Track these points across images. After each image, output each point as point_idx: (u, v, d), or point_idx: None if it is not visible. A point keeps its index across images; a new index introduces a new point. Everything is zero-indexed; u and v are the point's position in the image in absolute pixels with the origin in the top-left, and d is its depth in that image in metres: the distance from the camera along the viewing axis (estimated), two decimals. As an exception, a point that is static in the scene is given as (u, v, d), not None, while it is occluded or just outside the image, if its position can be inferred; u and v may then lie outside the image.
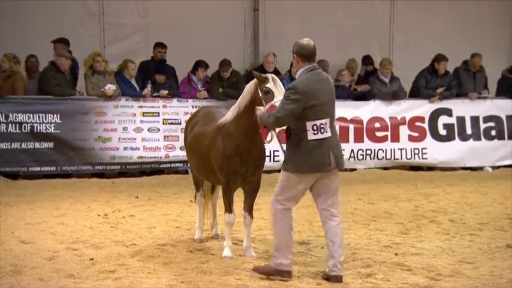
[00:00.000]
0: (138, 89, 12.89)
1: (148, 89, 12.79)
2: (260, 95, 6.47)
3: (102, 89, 12.40)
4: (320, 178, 6.16)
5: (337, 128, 13.00)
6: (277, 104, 6.20)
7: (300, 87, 6.01)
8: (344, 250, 7.22)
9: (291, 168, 6.11)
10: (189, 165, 8.46)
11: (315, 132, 6.01)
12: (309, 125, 6.00)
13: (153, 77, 13.10)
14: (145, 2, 14.56)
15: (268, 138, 6.59)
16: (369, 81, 14.26)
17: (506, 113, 14.51)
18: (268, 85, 6.45)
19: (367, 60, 15.15)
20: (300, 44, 6.22)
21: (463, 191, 11.41)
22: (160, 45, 13.54)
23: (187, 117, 12.67)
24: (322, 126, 6.01)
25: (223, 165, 6.77)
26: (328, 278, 6.14)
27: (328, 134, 6.05)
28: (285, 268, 6.12)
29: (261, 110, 6.35)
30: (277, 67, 13.69)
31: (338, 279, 6.09)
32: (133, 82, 12.94)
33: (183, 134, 12.46)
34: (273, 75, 6.60)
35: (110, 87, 12.40)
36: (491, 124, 14.44)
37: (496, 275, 6.37)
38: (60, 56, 12.42)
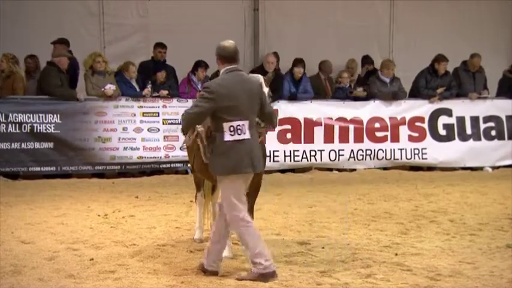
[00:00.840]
0: (138, 90, 12.89)
1: (148, 89, 12.79)
2: None
3: (102, 89, 12.40)
4: (249, 180, 6.21)
5: (337, 128, 13.43)
6: None
7: (213, 87, 6.04)
8: (344, 250, 7.27)
9: (215, 169, 6.17)
10: (189, 165, 8.45)
11: (232, 133, 6.00)
12: (225, 126, 6.00)
13: (153, 77, 13.10)
14: (145, 2, 14.55)
15: (182, 145, 6.53)
16: (369, 81, 14.25)
17: (506, 113, 14.52)
18: None
19: (367, 60, 15.14)
20: (221, 46, 6.23)
21: (463, 191, 11.42)
22: (160, 46, 13.54)
23: (187, 117, 12.77)
24: (239, 127, 5.99)
25: None
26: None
27: (247, 136, 6.03)
28: (268, 270, 6.08)
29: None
30: (278, 67, 13.70)
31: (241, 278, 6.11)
32: (134, 83, 12.94)
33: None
34: (261, 77, 6.61)
35: (110, 87, 12.41)
36: (491, 124, 14.44)
37: (496, 275, 6.37)
38: (58, 55, 12.41)
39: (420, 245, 7.59)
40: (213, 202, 7.95)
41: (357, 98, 13.92)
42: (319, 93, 14.07)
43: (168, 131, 12.88)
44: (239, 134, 6.01)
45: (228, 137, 6.02)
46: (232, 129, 6.01)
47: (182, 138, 12.53)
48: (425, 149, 14.05)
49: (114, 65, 13.20)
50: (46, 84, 12.31)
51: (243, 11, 15.16)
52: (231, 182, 6.12)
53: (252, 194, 6.80)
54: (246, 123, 6.02)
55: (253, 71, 12.00)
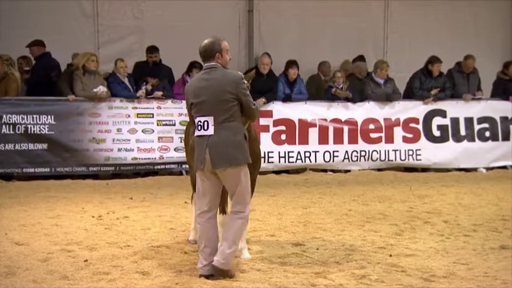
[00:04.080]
0: (132, 90, 12.87)
1: (142, 91, 12.77)
2: None
3: (94, 90, 12.34)
4: (221, 176, 6.18)
5: (331, 129, 13.43)
6: None
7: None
8: (338, 251, 7.27)
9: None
10: (187, 165, 8.43)
11: (198, 129, 6.14)
12: (195, 121, 6.18)
13: (147, 78, 13.07)
14: (140, 4, 14.53)
15: None
16: (363, 82, 14.27)
17: (500, 114, 14.55)
18: None
19: (360, 60, 15.10)
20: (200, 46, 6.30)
21: (457, 192, 11.43)
22: (150, 50, 13.48)
23: (182, 118, 12.78)
24: (199, 123, 6.11)
25: None
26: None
27: (209, 132, 6.08)
28: (200, 272, 6.16)
29: None
30: (272, 68, 13.70)
31: (219, 271, 6.10)
32: (127, 83, 12.90)
33: (177, 135, 12.71)
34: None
35: (100, 89, 12.36)
36: (485, 125, 14.47)
37: (490, 276, 6.38)
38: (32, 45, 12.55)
39: (414, 246, 7.60)
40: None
41: (350, 99, 13.91)
42: (319, 94, 14.08)
43: (163, 132, 12.87)
44: (200, 130, 6.13)
45: (196, 132, 6.19)
46: (197, 125, 6.15)
47: (177, 139, 12.70)
48: (419, 150, 14.07)
49: (109, 67, 13.17)
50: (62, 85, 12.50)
51: (237, 12, 15.16)
52: (199, 177, 6.25)
53: (230, 193, 6.43)
54: (210, 119, 6.07)
55: (247, 73, 11.96)
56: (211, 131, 6.08)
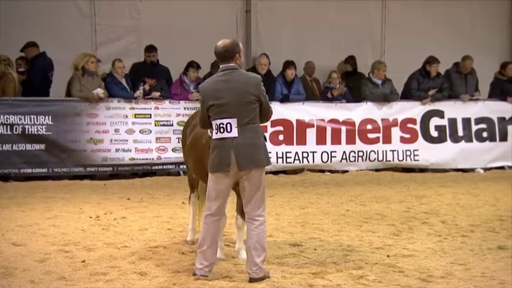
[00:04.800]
0: (129, 91, 12.86)
1: (140, 91, 12.77)
2: None
3: (94, 92, 12.33)
4: (241, 179, 6.14)
5: (329, 129, 13.44)
6: None
7: (201, 88, 6.24)
8: (336, 252, 7.27)
9: (208, 168, 6.20)
10: (185, 166, 8.43)
11: (216, 131, 6.05)
12: (213, 124, 6.07)
13: (145, 79, 13.05)
14: (137, 3, 14.53)
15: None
16: (361, 83, 14.27)
17: (497, 114, 14.56)
18: None
19: (350, 60, 15.09)
20: (215, 46, 6.22)
21: (455, 193, 11.44)
22: (148, 49, 13.48)
23: (180, 119, 12.79)
24: (222, 126, 6.02)
25: None
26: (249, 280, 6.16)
27: (233, 134, 6.01)
28: (198, 272, 6.15)
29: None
30: (270, 68, 13.70)
31: (252, 280, 6.10)
32: (124, 83, 12.89)
33: (175, 135, 12.70)
34: None
35: (98, 92, 12.34)
36: (483, 126, 14.49)
37: (487, 277, 6.38)
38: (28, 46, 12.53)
39: (412, 246, 7.60)
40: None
41: (348, 100, 13.93)
42: (307, 94, 14.08)
43: (160, 133, 12.87)
44: (221, 132, 6.03)
45: (214, 135, 6.09)
46: (217, 127, 6.05)
47: (174, 139, 12.69)
48: (417, 150, 14.08)
49: (107, 67, 13.16)
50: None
51: (235, 13, 15.16)
52: (214, 180, 6.14)
53: (250, 197, 6.40)
54: (232, 121, 6.01)
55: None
56: (235, 133, 6.01)
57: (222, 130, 6.02)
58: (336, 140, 13.69)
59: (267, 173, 13.43)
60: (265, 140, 6.32)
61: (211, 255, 6.17)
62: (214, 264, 6.27)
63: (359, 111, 13.92)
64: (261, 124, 6.33)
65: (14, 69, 12.48)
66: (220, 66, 6.19)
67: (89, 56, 12.67)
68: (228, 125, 6.00)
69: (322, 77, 14.78)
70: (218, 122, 6.03)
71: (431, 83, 14.29)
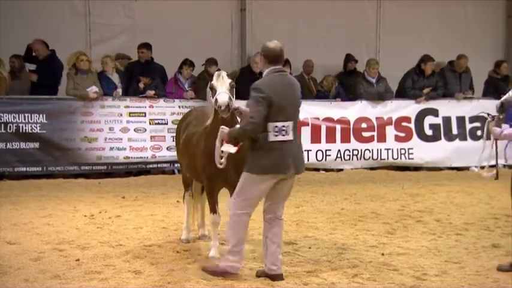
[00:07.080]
0: (118, 87, 12.76)
1: (117, 91, 12.69)
2: (210, 93, 6.54)
3: (87, 90, 12.31)
4: (277, 182, 6.13)
5: (324, 128, 13.44)
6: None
7: (263, 88, 5.97)
8: (330, 250, 7.29)
9: (251, 168, 6.07)
10: (179, 165, 8.43)
11: (276, 133, 5.98)
12: (270, 126, 5.97)
13: (139, 77, 13.03)
14: (131, 2, 14.49)
15: (223, 160, 6.35)
16: (356, 82, 14.28)
17: (492, 113, 14.53)
18: (212, 82, 6.47)
19: (350, 58, 15.08)
20: (266, 46, 6.15)
21: (449, 191, 11.46)
22: (141, 46, 13.42)
23: (174, 117, 12.77)
24: (283, 128, 5.99)
25: (205, 165, 6.71)
26: (267, 276, 6.18)
27: (290, 137, 6.03)
28: (232, 270, 6.16)
29: (224, 130, 6.23)
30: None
31: (279, 277, 6.16)
32: (115, 80, 12.82)
33: (169, 134, 12.68)
34: (221, 72, 6.56)
35: (92, 89, 12.31)
36: (477, 124, 14.47)
37: (481, 275, 6.41)
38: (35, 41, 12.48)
39: (406, 244, 7.62)
40: (202, 202, 7.95)
41: (343, 98, 13.96)
42: (304, 92, 14.06)
43: (155, 131, 12.86)
44: (283, 135, 6.00)
45: (272, 137, 5.99)
46: (276, 129, 5.97)
47: (169, 138, 12.66)
48: (411, 149, 14.09)
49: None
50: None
51: (229, 11, 15.15)
52: (261, 180, 6.06)
53: (284, 198, 6.50)
54: (290, 124, 6.03)
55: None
56: (291, 136, 6.04)
57: (283, 133, 5.99)
58: (331, 138, 13.71)
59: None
60: None
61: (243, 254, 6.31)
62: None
63: (354, 110, 13.93)
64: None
65: (5, 68, 12.41)
66: (273, 68, 6.13)
67: (79, 53, 12.62)
68: (288, 128, 6.01)
69: (317, 76, 14.78)
70: (279, 124, 5.97)
71: (425, 81, 14.31)
